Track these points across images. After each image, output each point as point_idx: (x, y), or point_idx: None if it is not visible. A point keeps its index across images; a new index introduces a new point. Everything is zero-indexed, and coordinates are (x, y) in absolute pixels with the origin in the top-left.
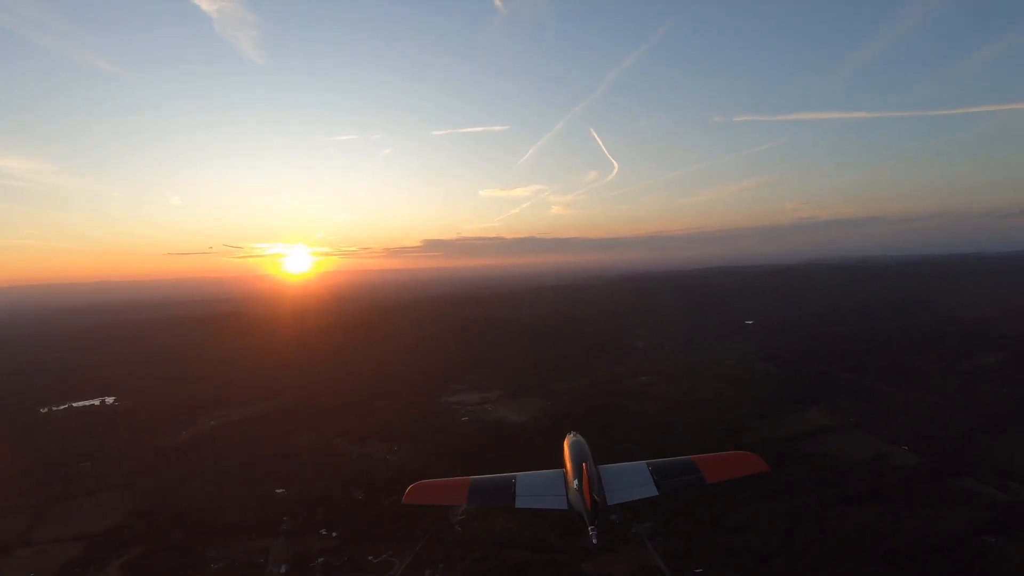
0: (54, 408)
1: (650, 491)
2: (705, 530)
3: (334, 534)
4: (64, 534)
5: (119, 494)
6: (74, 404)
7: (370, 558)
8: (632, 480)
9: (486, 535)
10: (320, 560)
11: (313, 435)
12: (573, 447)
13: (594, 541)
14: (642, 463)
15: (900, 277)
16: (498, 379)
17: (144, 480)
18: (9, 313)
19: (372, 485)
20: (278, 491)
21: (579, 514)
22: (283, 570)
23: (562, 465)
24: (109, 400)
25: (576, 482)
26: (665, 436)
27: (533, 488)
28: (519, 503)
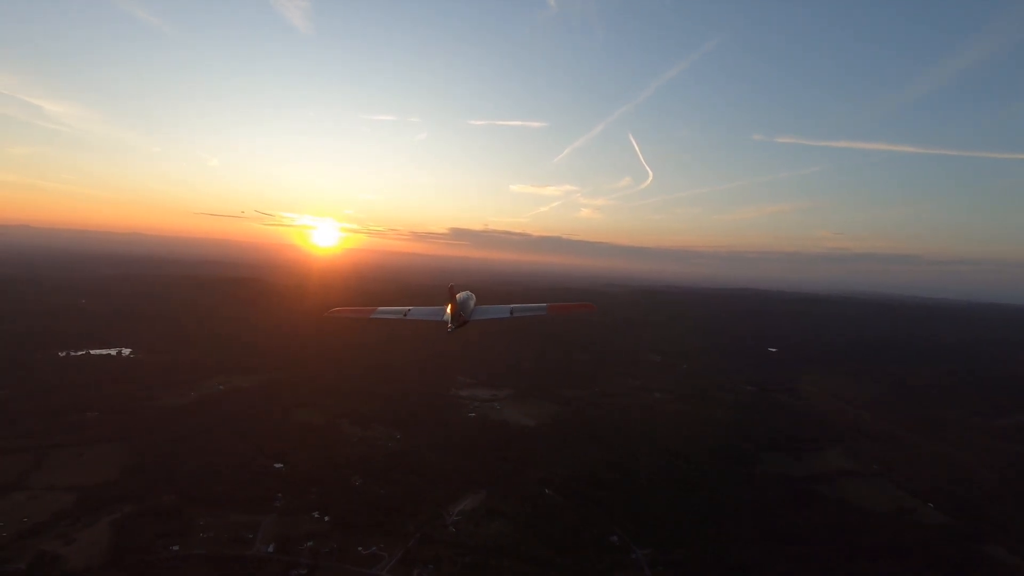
0: (72, 353)
1: (504, 315)
2: (707, 566)
3: (326, 518)
4: (60, 482)
5: (119, 448)
6: (92, 351)
7: (359, 549)
8: (495, 312)
9: (480, 539)
10: (309, 544)
11: (317, 412)
12: (461, 297)
13: (448, 329)
14: (508, 306)
15: (931, 320)
16: (509, 377)
17: (146, 437)
18: (42, 254)
19: (370, 471)
20: (276, 465)
21: (446, 322)
22: (271, 549)
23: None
24: (126, 351)
25: (448, 308)
26: (673, 461)
27: (422, 314)
28: (410, 316)
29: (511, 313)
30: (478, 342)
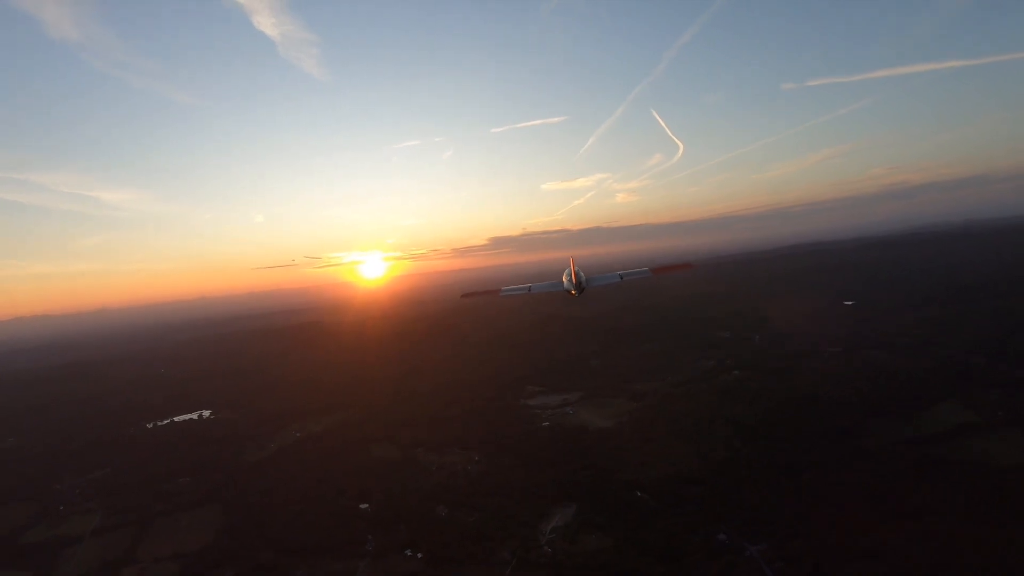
0: (158, 423)
1: (615, 280)
2: (830, 556)
3: (419, 555)
4: (163, 552)
5: (213, 509)
6: (175, 418)
7: None
8: (607, 279)
9: (579, 557)
10: None
11: (392, 446)
12: (578, 270)
13: (572, 295)
14: (617, 273)
15: (1018, 242)
16: (576, 378)
17: (236, 495)
18: (122, 333)
19: (454, 500)
20: (362, 506)
21: (568, 291)
22: None
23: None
24: (206, 413)
25: (568, 276)
26: (770, 444)
27: (544, 287)
28: (533, 291)
29: (621, 278)
30: (540, 345)
